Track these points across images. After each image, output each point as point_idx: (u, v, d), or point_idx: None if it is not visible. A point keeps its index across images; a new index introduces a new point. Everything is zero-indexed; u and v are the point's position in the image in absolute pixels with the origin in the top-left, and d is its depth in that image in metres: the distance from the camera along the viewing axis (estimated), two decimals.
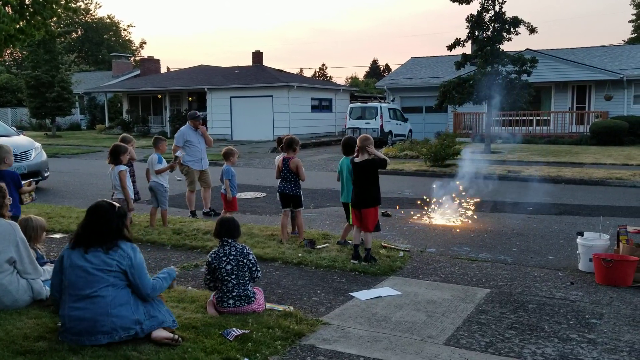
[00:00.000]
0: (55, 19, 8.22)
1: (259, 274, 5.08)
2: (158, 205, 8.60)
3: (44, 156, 13.67)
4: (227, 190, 8.39)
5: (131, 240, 4.33)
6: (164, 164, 8.53)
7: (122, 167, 7.30)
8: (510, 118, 27.76)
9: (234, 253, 4.91)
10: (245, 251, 4.96)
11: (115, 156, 7.33)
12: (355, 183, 6.82)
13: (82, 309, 4.03)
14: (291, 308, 5.09)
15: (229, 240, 4.99)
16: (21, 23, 7.36)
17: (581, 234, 6.88)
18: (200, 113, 10.27)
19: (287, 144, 7.62)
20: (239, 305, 4.86)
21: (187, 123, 10.10)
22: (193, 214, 9.79)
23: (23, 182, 6.46)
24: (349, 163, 7.04)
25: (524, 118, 27.52)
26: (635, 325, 4.93)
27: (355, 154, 6.85)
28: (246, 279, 4.92)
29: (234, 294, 4.86)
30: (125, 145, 7.73)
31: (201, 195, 10.22)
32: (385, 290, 5.80)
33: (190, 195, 9.85)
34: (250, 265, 4.93)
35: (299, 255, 6.98)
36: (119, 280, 4.13)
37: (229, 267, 4.87)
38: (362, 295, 5.63)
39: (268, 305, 5.07)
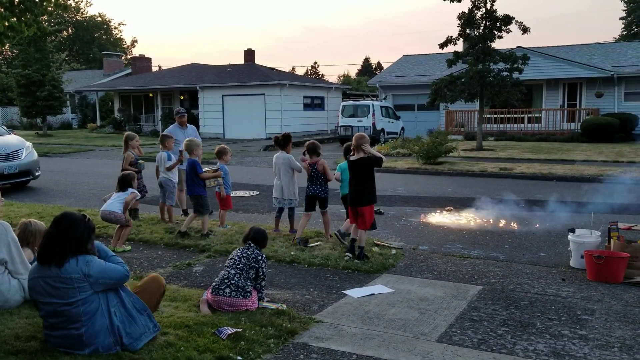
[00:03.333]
0: (45, 17, 8.17)
1: (262, 284, 5.19)
2: (165, 201, 8.83)
3: (35, 155, 13.59)
4: (220, 188, 8.40)
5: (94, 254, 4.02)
6: (173, 161, 8.82)
7: (133, 190, 7.40)
8: (502, 115, 27.88)
9: (249, 253, 5.14)
10: (259, 258, 5.14)
11: (124, 185, 7.38)
12: (351, 181, 6.86)
13: (60, 337, 3.93)
14: (284, 306, 5.09)
15: (252, 245, 5.23)
16: (11, 20, 7.29)
17: (572, 230, 6.92)
18: (182, 110, 10.30)
19: (310, 149, 7.70)
20: (234, 295, 4.90)
21: (175, 122, 10.10)
22: (185, 212, 9.75)
23: (206, 169, 8.07)
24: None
25: (516, 115, 27.64)
26: (626, 321, 4.97)
27: (352, 152, 6.88)
28: (249, 276, 5.03)
29: (233, 281, 4.93)
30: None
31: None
32: (378, 287, 5.81)
33: (180, 194, 9.81)
34: (260, 273, 5.12)
35: (292, 253, 6.98)
36: (90, 306, 3.86)
37: (237, 259, 5.09)
38: (355, 293, 5.64)
39: (261, 305, 5.07)
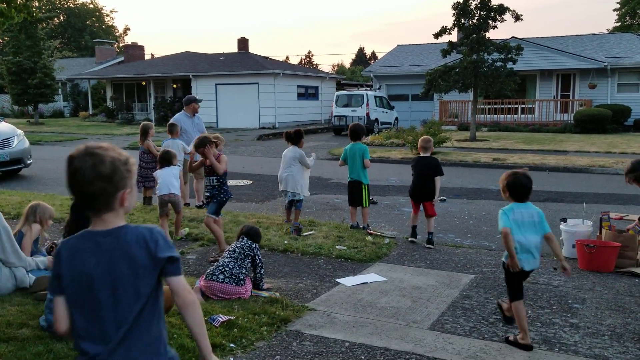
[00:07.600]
0: (36, 3, 8.07)
1: (262, 272, 5.23)
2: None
3: (27, 143, 13.48)
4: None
5: None
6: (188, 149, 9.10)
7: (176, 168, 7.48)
8: (496, 106, 27.91)
9: (243, 243, 5.23)
10: (253, 247, 5.23)
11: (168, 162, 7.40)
12: (418, 178, 7.22)
13: None
14: (277, 294, 5.10)
15: (245, 238, 5.31)
16: (0, 6, 7.20)
17: (564, 220, 6.95)
18: (198, 98, 9.98)
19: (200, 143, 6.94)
20: (227, 282, 4.93)
21: (183, 109, 9.78)
22: (186, 204, 9.55)
23: None
24: (352, 147, 7.67)
25: (509, 106, 27.68)
26: (616, 309, 5.01)
27: (420, 152, 7.33)
28: (244, 265, 5.08)
29: (228, 268, 4.99)
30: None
31: (193, 187, 10.10)
32: (370, 276, 5.82)
33: (197, 184, 9.70)
34: (257, 261, 5.20)
35: (285, 242, 6.98)
36: None
37: (232, 249, 5.20)
38: (348, 281, 5.65)
39: (254, 292, 5.08)
